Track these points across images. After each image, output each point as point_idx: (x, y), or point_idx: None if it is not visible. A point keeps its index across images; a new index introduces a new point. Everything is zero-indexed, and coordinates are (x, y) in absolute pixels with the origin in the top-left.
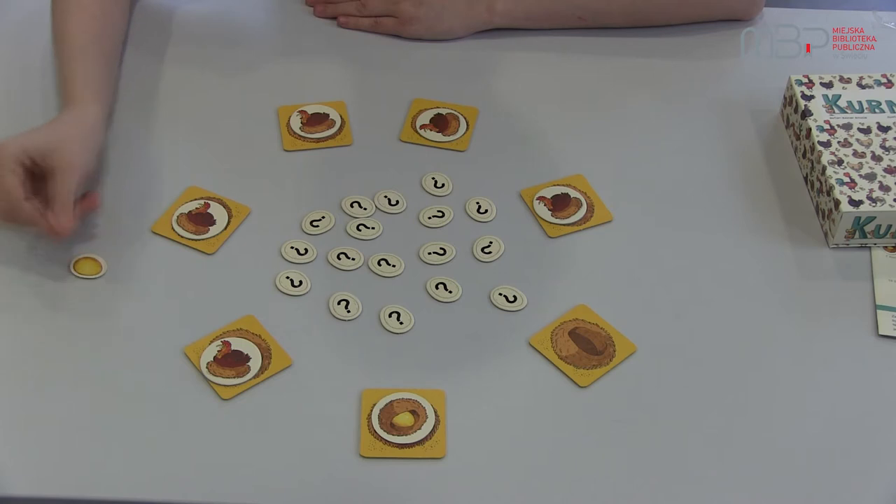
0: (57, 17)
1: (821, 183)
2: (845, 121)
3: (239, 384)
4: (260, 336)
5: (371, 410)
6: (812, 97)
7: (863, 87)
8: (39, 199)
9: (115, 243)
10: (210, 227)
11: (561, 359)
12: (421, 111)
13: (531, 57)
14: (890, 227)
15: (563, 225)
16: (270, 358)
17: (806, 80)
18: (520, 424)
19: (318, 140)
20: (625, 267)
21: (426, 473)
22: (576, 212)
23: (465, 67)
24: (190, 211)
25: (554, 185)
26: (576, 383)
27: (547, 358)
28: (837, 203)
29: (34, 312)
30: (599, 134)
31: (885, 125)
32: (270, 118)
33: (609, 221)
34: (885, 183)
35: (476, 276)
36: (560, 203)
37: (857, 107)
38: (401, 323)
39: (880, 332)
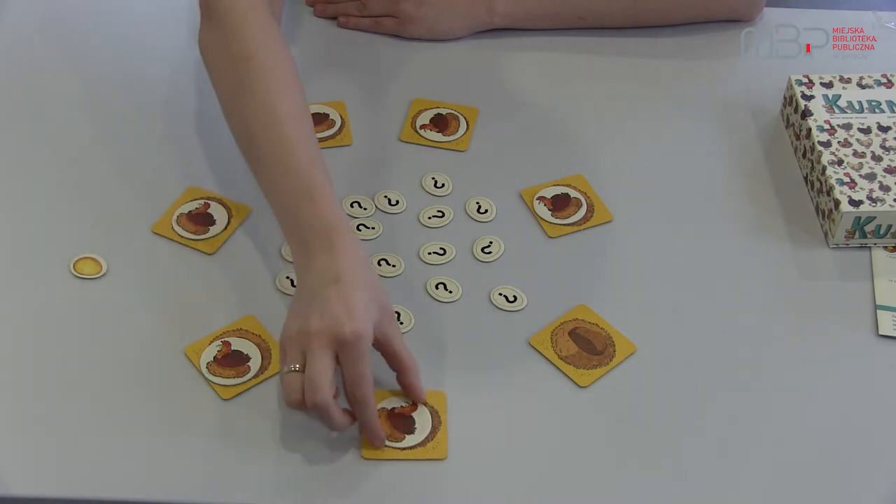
0: (253, 105)
1: (821, 183)
2: (845, 121)
3: (239, 384)
4: (260, 336)
5: None
6: (812, 97)
7: (863, 87)
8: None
9: (115, 243)
10: (210, 227)
11: (561, 359)
12: (421, 111)
13: (531, 57)
14: (890, 227)
15: (563, 225)
16: (270, 358)
17: (806, 80)
18: (520, 425)
19: (318, 140)
20: (625, 267)
21: (427, 475)
22: (576, 212)
23: (465, 67)
24: (190, 211)
25: (554, 185)
26: (576, 383)
27: (547, 358)
28: (837, 203)
29: (34, 312)
30: (599, 134)
31: (885, 125)
32: None
33: (609, 221)
34: (885, 183)
35: (476, 276)
36: (560, 203)
37: (857, 107)
38: (401, 323)
39: (880, 332)
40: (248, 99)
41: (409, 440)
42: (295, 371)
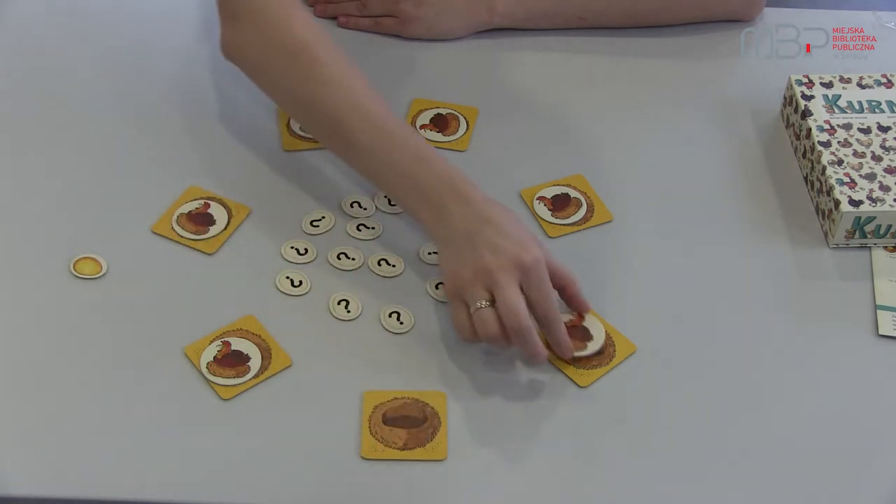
0: (329, 90)
1: (821, 183)
2: (845, 121)
3: (239, 384)
4: (260, 336)
5: (372, 412)
6: (812, 97)
7: (863, 87)
8: None
9: (115, 243)
10: (210, 227)
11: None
12: (421, 111)
13: (531, 57)
14: (890, 227)
15: (563, 225)
16: (270, 358)
17: (806, 80)
18: (520, 425)
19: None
20: (625, 267)
21: (427, 475)
22: (576, 212)
23: (465, 67)
24: (190, 211)
25: (554, 185)
26: (576, 383)
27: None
28: (837, 203)
29: (34, 312)
30: (599, 134)
31: (885, 125)
32: (270, 118)
33: (609, 221)
34: (885, 183)
35: None
36: (560, 203)
37: (857, 107)
38: (401, 323)
39: (880, 332)
40: (321, 85)
41: (591, 346)
42: (483, 308)
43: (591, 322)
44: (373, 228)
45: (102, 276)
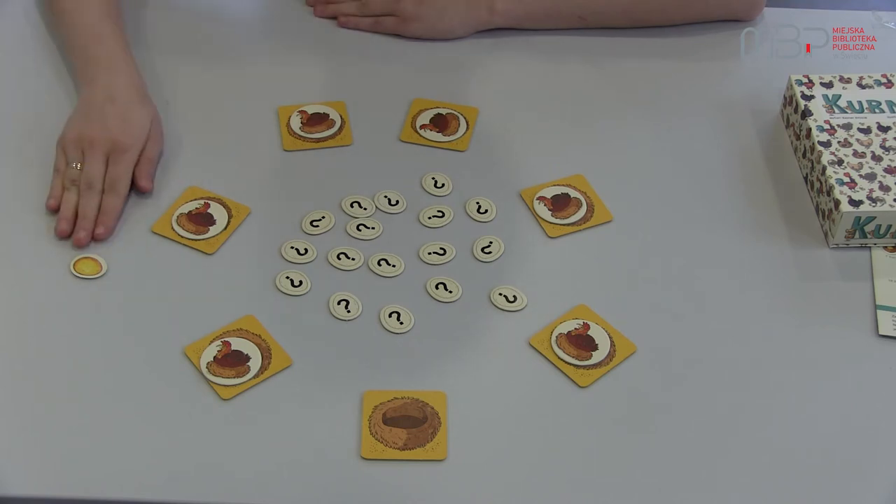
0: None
1: (821, 183)
2: (845, 121)
3: (239, 384)
4: (260, 336)
5: (372, 412)
6: (812, 97)
7: (863, 87)
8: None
9: (115, 243)
10: (210, 227)
11: (561, 359)
12: (421, 111)
13: (532, 57)
14: (890, 227)
15: (563, 225)
16: (270, 358)
17: (806, 80)
18: (520, 425)
19: (318, 140)
20: (625, 267)
21: (427, 475)
22: (576, 212)
23: (465, 67)
24: (190, 211)
25: (554, 185)
26: (576, 383)
27: (547, 358)
28: (837, 203)
29: (34, 312)
30: (599, 134)
31: (885, 125)
32: (270, 118)
33: (609, 221)
34: (885, 183)
35: (476, 276)
36: (560, 203)
37: (857, 107)
38: (401, 323)
39: (880, 332)
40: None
41: (596, 356)
42: (75, 168)
43: (596, 332)
44: (373, 228)
45: (102, 276)
